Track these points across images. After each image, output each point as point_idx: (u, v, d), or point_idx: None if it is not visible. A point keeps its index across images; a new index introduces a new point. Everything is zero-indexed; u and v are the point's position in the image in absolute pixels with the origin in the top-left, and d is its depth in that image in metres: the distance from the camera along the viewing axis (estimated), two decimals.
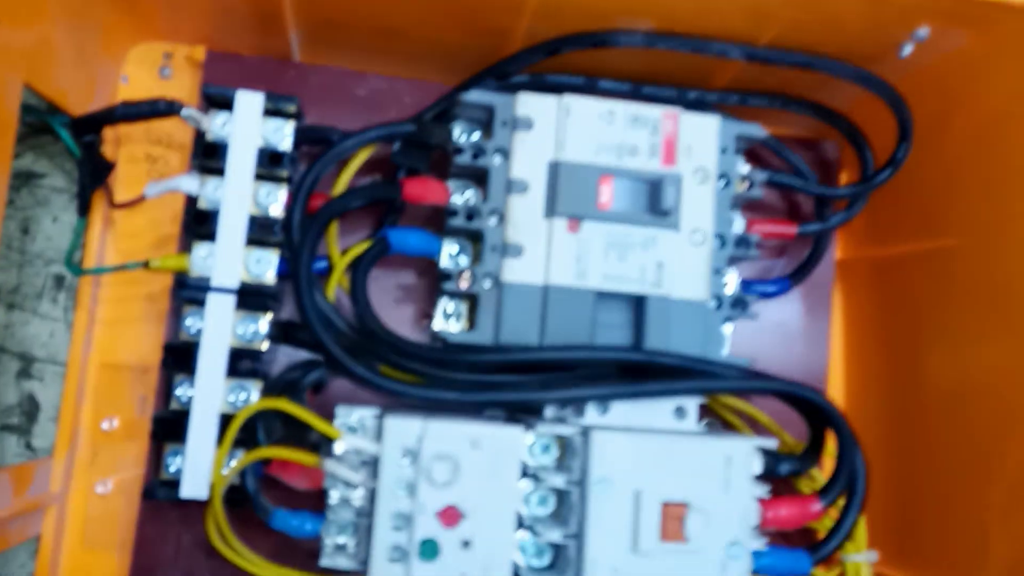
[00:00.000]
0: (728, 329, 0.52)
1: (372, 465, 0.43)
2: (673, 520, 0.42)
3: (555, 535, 0.43)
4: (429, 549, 0.41)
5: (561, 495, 0.45)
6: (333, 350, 0.44)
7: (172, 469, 0.49)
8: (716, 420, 0.55)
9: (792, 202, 0.60)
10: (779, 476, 0.48)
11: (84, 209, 0.52)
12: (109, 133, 0.54)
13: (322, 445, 0.44)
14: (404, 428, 0.42)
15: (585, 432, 0.43)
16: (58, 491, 0.53)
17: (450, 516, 0.41)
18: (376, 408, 0.45)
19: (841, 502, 0.48)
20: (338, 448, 0.42)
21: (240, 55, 0.55)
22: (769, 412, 0.54)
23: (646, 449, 0.43)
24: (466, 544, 0.41)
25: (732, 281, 0.52)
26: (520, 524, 0.44)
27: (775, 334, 0.59)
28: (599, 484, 0.42)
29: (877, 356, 0.58)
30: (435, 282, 0.53)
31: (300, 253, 0.46)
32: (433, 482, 0.41)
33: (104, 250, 0.55)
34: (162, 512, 0.53)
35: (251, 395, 0.49)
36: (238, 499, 0.48)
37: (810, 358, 0.59)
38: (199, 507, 0.49)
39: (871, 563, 0.53)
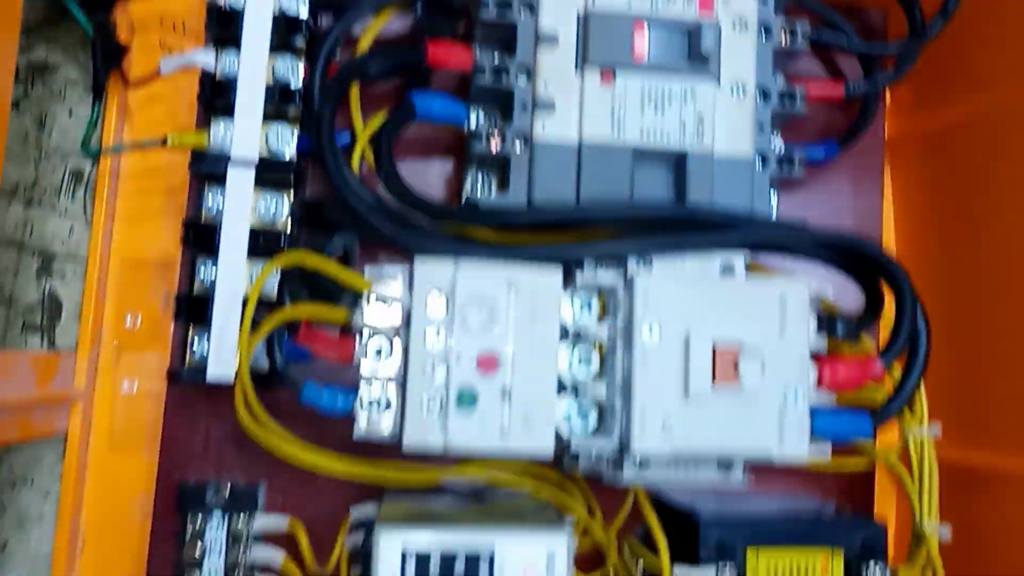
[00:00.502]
0: (774, 198, 0.49)
1: (404, 327, 0.41)
2: (726, 362, 0.39)
3: (599, 391, 0.41)
4: (466, 398, 0.39)
5: (604, 355, 0.42)
6: (358, 207, 0.42)
7: (198, 354, 0.47)
8: None
9: (836, 72, 0.57)
10: (835, 337, 0.45)
11: (99, 91, 0.50)
12: (122, 20, 0.52)
13: (351, 306, 0.42)
14: (436, 270, 0.39)
15: (628, 281, 0.40)
16: (83, 388, 0.51)
17: (487, 363, 0.39)
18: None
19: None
20: (368, 296, 0.40)
21: None
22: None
23: (694, 292, 0.40)
24: (506, 393, 0.39)
25: (777, 142, 0.49)
26: (562, 388, 0.42)
27: (824, 207, 0.55)
28: (645, 328, 0.39)
29: (931, 230, 0.55)
30: (463, 161, 0.50)
31: (321, 114, 0.44)
32: (468, 327, 0.39)
33: (121, 140, 0.53)
34: (189, 405, 0.51)
35: (275, 278, 0.47)
36: (265, 381, 0.46)
37: (863, 232, 0.56)
38: (226, 399, 0.46)
39: (933, 437, 0.50)
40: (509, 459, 0.43)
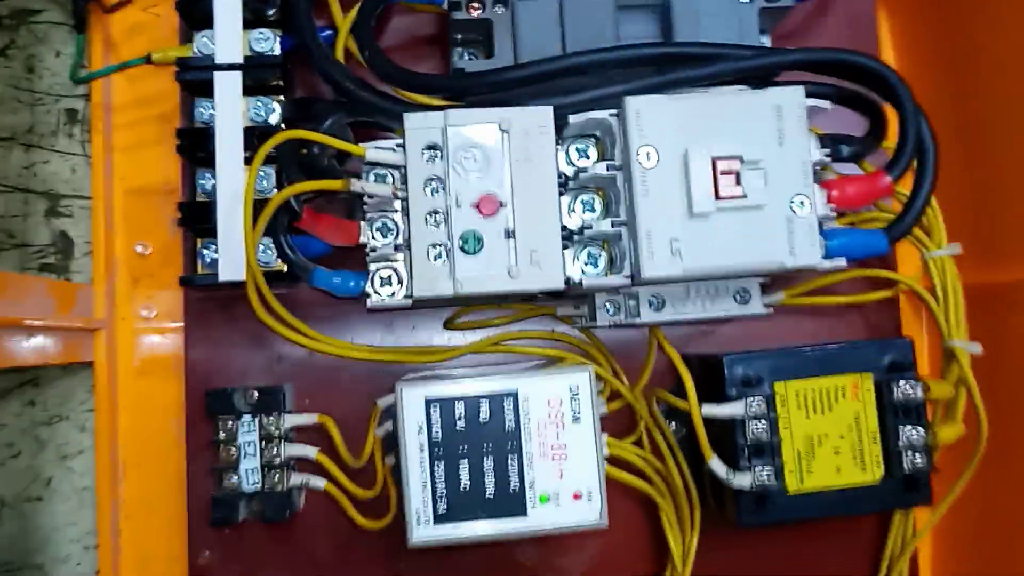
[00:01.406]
0: (766, 39, 0.49)
1: (403, 186, 0.41)
2: (727, 176, 0.39)
3: (605, 225, 0.40)
4: (471, 241, 0.39)
5: (606, 199, 0.42)
6: (345, 83, 0.42)
7: (208, 260, 0.48)
8: None
9: None
10: (839, 157, 0.44)
11: (81, 25, 0.51)
12: None
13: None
14: (425, 122, 0.39)
15: (620, 108, 0.40)
16: (104, 318, 0.52)
17: (488, 205, 0.39)
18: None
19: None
20: (367, 155, 0.40)
21: None
22: None
23: (687, 108, 0.40)
24: (509, 233, 0.39)
25: None
26: (570, 237, 0.42)
27: (816, 39, 0.54)
28: (643, 151, 0.39)
29: (932, 47, 0.54)
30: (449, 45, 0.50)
31: (296, 4, 0.44)
32: (464, 174, 0.39)
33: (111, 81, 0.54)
34: (207, 317, 0.51)
35: (271, 178, 0.47)
36: (280, 280, 0.47)
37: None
38: (243, 305, 0.46)
39: (953, 255, 0.49)
40: (521, 298, 0.43)
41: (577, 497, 0.40)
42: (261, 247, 0.46)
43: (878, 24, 0.56)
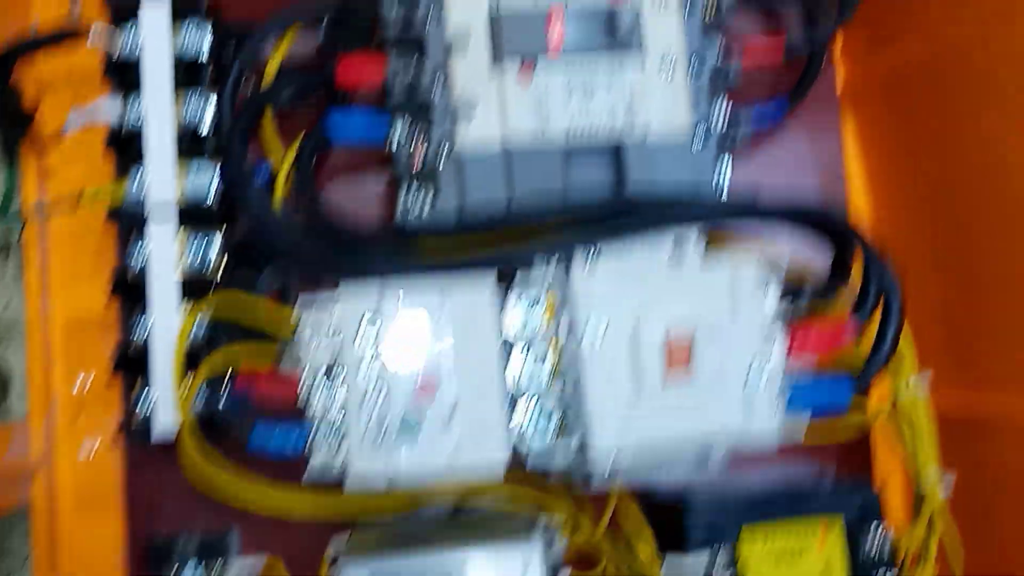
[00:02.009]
0: (726, 166, 0.47)
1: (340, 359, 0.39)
2: (679, 350, 0.37)
3: (550, 401, 0.39)
4: (409, 425, 0.37)
5: (559, 352, 0.40)
6: (278, 239, 0.40)
7: (144, 411, 0.46)
8: None
9: (776, 20, 0.53)
10: (800, 301, 0.43)
11: (11, 158, 0.49)
12: (29, 81, 0.50)
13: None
14: (361, 297, 0.38)
15: (567, 276, 0.38)
16: (41, 456, 0.50)
17: (427, 386, 0.37)
18: None
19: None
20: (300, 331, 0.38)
21: None
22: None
23: (636, 281, 0.38)
24: (450, 414, 0.37)
25: (719, 110, 0.46)
26: (514, 404, 0.40)
27: (783, 168, 0.53)
28: (590, 324, 0.37)
29: (902, 173, 0.52)
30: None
31: (229, 150, 0.42)
32: (402, 351, 0.37)
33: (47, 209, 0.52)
34: (149, 459, 0.49)
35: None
36: (217, 430, 0.45)
37: (827, 188, 0.53)
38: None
39: (923, 389, 0.47)
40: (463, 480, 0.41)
41: None
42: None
43: (844, 134, 0.55)
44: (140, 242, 0.45)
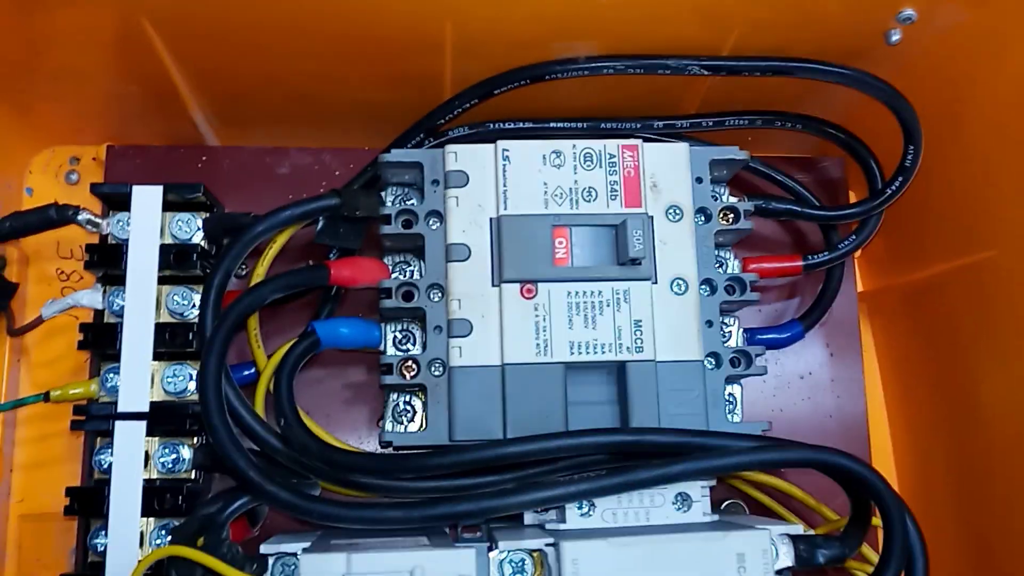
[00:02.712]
0: (737, 391, 0.44)
1: None
2: None
3: None
4: None
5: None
6: (242, 467, 0.37)
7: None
8: (739, 502, 0.46)
9: (799, 235, 0.52)
10: (817, 565, 0.38)
11: None
12: (13, 253, 0.49)
13: None
14: (324, 565, 0.33)
15: (556, 542, 0.34)
16: None
17: None
18: (314, 537, 0.37)
19: None
20: None
21: (144, 146, 0.49)
22: (805, 484, 0.45)
23: (631, 556, 0.34)
24: None
25: (734, 333, 0.43)
26: None
27: (800, 388, 0.50)
28: None
29: (923, 393, 0.49)
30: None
31: (205, 359, 0.39)
32: None
33: (17, 384, 0.49)
34: None
35: None
36: None
37: (845, 408, 0.50)
38: None
39: None
40: None
41: None
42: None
43: (863, 342, 0.52)
44: (108, 445, 0.42)
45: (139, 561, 0.36)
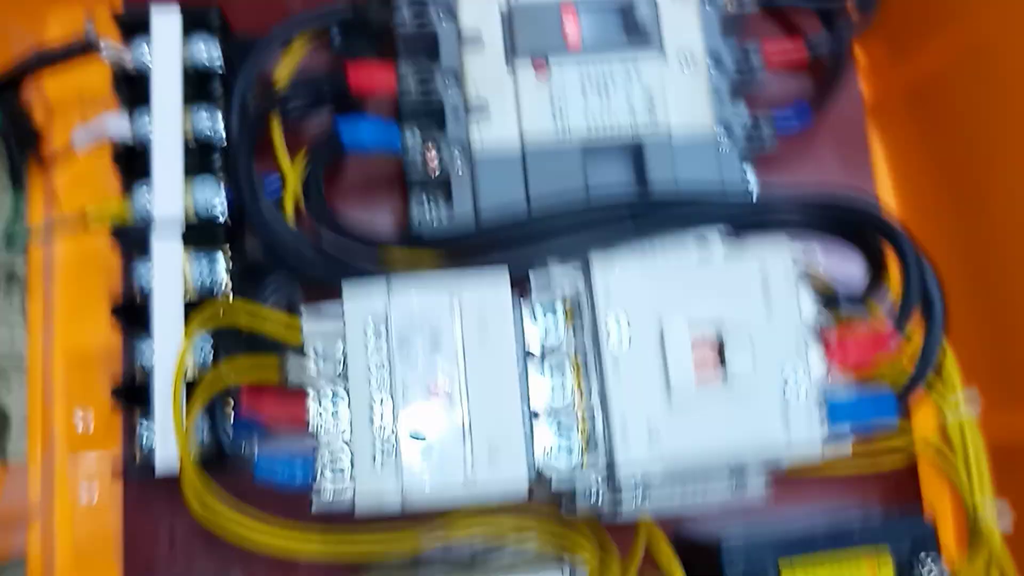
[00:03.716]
0: (751, 175, 0.45)
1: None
2: (708, 354, 0.34)
3: (573, 417, 0.36)
4: (419, 440, 0.34)
5: (579, 369, 0.37)
6: (282, 248, 0.38)
7: (146, 446, 0.43)
8: None
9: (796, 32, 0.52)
10: (837, 311, 0.40)
11: (17, 182, 0.47)
12: (37, 101, 0.50)
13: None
14: (367, 298, 0.35)
15: (586, 275, 0.36)
16: (38, 503, 0.47)
17: (438, 396, 0.34)
18: None
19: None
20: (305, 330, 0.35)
21: None
22: None
23: (662, 278, 0.35)
24: (464, 427, 0.34)
25: (743, 112, 0.44)
26: (535, 421, 0.37)
27: (808, 183, 0.50)
28: (613, 326, 0.34)
29: (933, 184, 0.50)
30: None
31: (235, 158, 0.40)
32: (411, 359, 0.34)
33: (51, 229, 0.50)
34: (149, 501, 0.46)
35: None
36: (226, 462, 0.42)
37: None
38: None
39: (973, 411, 0.44)
40: (481, 503, 0.38)
41: None
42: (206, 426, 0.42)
43: (871, 149, 0.52)
44: (145, 262, 0.43)
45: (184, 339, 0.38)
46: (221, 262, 0.44)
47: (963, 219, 0.48)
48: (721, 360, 0.34)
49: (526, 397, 0.36)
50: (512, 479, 0.34)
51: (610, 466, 0.35)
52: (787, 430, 0.35)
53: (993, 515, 0.42)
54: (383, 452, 0.34)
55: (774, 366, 0.35)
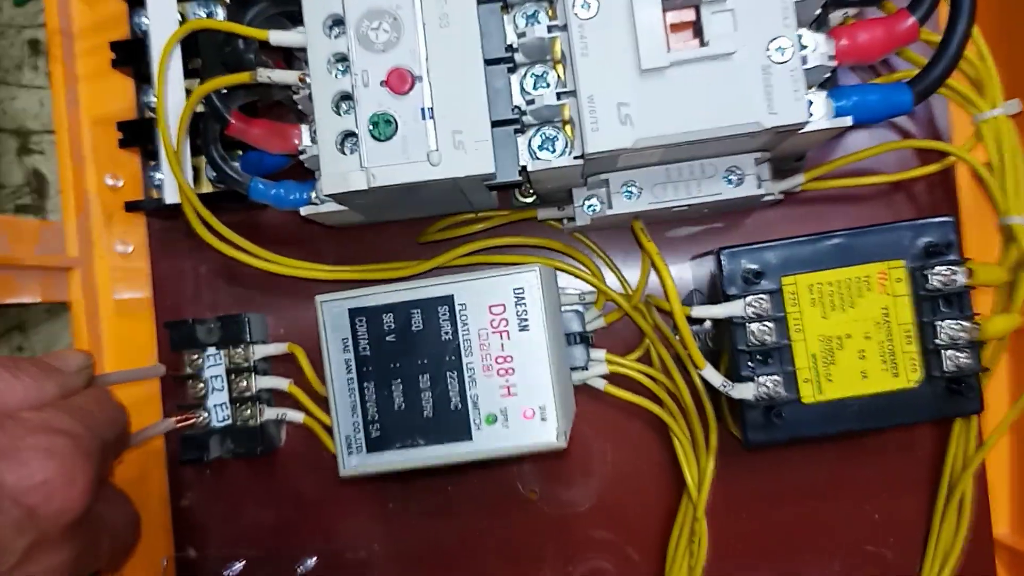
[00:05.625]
0: None
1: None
2: (682, 20, 0.32)
3: (549, 97, 0.34)
4: (381, 124, 0.33)
5: (563, 68, 0.35)
6: None
7: (157, 182, 0.45)
8: None
9: None
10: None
11: None
12: None
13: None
14: None
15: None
16: (78, 256, 0.49)
17: (399, 81, 0.33)
18: None
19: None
20: (270, 39, 0.35)
21: None
22: None
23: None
24: (427, 113, 0.33)
25: None
26: (519, 123, 0.35)
27: None
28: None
29: None
30: None
31: None
32: (372, 45, 0.33)
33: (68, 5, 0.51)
34: (173, 247, 0.48)
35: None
36: (236, 198, 0.43)
37: None
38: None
39: (1010, 115, 0.40)
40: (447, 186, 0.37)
41: (528, 416, 0.34)
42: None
43: None
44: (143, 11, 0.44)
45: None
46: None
47: None
48: (695, 28, 0.32)
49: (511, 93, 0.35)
50: (477, 160, 0.33)
51: (583, 155, 0.34)
52: (771, 100, 0.32)
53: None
54: (349, 141, 0.34)
55: (757, 36, 0.32)
